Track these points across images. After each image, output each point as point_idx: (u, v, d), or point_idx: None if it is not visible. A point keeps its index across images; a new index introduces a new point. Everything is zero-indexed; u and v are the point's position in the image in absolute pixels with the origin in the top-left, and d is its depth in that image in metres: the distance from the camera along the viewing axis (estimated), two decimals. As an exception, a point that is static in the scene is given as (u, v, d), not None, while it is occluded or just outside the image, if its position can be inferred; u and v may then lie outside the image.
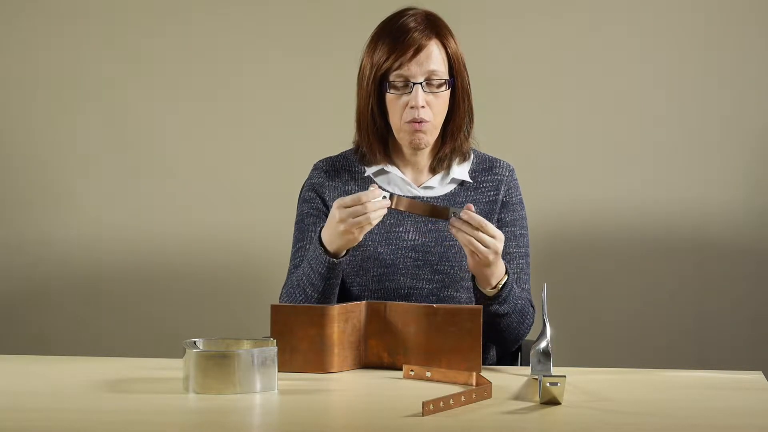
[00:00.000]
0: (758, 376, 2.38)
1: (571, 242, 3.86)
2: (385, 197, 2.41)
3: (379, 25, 2.64)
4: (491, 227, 2.43)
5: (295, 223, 2.71)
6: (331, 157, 2.73)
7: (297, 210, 2.72)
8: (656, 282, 3.86)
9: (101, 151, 3.95)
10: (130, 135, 3.95)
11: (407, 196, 2.63)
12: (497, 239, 2.43)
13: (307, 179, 2.73)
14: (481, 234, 2.41)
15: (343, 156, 2.72)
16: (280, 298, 2.64)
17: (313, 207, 2.68)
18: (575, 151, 3.85)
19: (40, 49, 3.94)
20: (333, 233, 2.46)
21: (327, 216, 2.65)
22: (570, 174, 3.85)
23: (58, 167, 3.96)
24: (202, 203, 3.93)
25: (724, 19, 3.81)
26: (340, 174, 2.69)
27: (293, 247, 2.69)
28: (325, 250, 2.48)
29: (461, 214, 2.41)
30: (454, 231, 2.43)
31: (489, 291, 2.50)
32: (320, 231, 2.51)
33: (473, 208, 2.42)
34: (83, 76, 3.94)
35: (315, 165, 2.73)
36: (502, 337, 2.59)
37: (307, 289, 2.53)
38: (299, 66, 3.89)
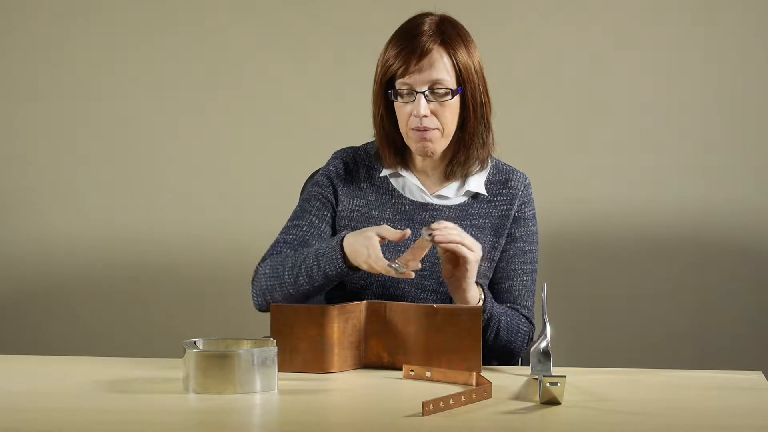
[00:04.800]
0: (758, 376, 2.38)
1: (570, 242, 3.86)
2: (397, 269, 2.35)
3: (399, 26, 2.59)
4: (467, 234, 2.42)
5: (300, 200, 2.67)
6: (353, 148, 2.69)
7: (304, 190, 2.67)
8: (656, 282, 3.86)
9: (101, 151, 3.95)
10: (131, 135, 3.95)
11: (419, 202, 2.61)
12: (477, 246, 2.42)
13: (327, 165, 2.68)
14: (464, 233, 2.40)
15: (364, 149, 2.69)
16: (259, 265, 2.57)
17: (322, 194, 2.64)
18: (575, 151, 3.85)
19: (41, 49, 3.95)
20: (358, 247, 2.40)
21: (332, 206, 2.63)
22: (570, 174, 3.85)
23: (58, 167, 3.96)
24: (202, 203, 3.94)
25: (724, 20, 3.81)
26: (358, 170, 2.65)
27: (289, 221, 2.64)
28: (344, 258, 2.43)
29: (432, 225, 2.39)
30: (440, 237, 2.37)
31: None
32: (343, 236, 2.44)
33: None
34: (84, 76, 3.94)
35: (336, 154, 2.69)
36: (497, 354, 2.57)
37: (300, 278, 2.48)
38: (300, 67, 3.90)
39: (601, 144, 3.85)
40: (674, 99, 3.84)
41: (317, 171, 2.74)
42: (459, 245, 2.38)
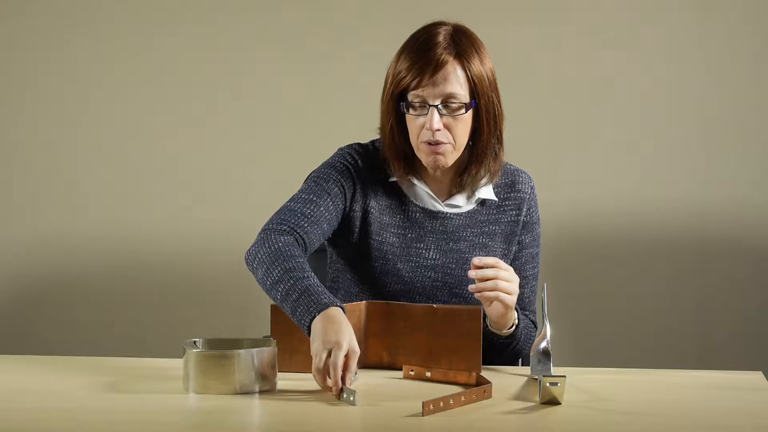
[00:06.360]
0: (758, 376, 2.38)
1: (570, 242, 3.86)
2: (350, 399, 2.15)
3: (410, 35, 2.53)
4: (505, 269, 2.39)
5: (315, 177, 2.55)
6: (361, 145, 2.60)
7: (317, 169, 2.56)
8: (656, 282, 3.86)
9: (101, 151, 3.95)
10: (130, 135, 3.95)
11: (429, 209, 2.56)
12: (515, 281, 2.40)
13: (343, 157, 2.58)
14: (502, 273, 2.37)
15: (372, 147, 2.60)
16: (275, 226, 2.44)
17: (342, 183, 2.54)
18: (575, 151, 3.85)
19: (41, 49, 3.95)
20: (320, 338, 2.21)
21: (345, 200, 2.53)
22: (570, 174, 3.85)
23: (59, 167, 3.96)
24: (203, 203, 3.94)
25: (723, 19, 3.81)
26: (371, 169, 2.57)
27: (304, 192, 2.52)
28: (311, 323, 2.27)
29: (471, 272, 2.36)
30: (477, 294, 2.37)
31: (505, 332, 2.49)
32: (329, 306, 2.25)
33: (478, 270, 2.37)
34: (84, 76, 3.94)
35: (349, 149, 2.59)
36: (499, 355, 2.57)
37: (280, 286, 2.31)
38: (300, 67, 3.90)
39: (602, 144, 3.85)
40: (674, 99, 3.84)
41: (338, 158, 2.61)
42: (498, 294, 2.37)
